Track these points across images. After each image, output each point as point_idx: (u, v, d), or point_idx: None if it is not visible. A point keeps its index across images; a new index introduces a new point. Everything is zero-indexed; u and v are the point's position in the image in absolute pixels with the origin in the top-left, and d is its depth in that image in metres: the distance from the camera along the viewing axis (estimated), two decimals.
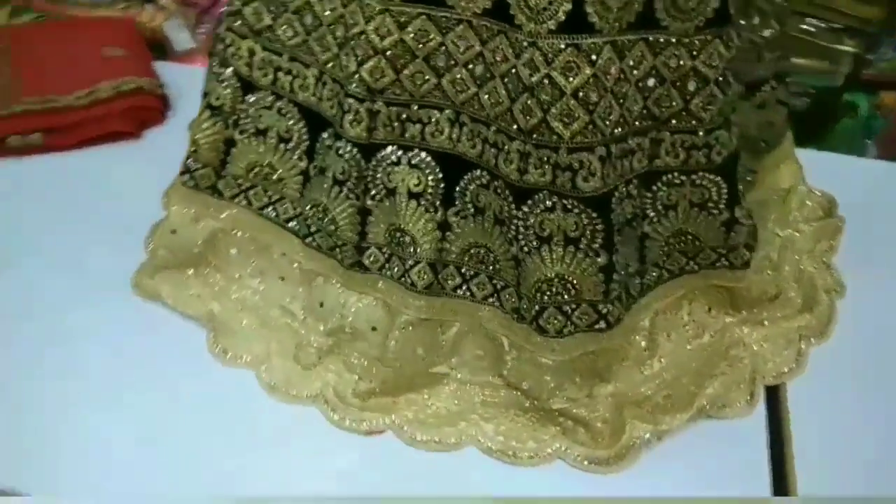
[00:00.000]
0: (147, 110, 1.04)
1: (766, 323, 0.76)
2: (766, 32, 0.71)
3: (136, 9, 1.26)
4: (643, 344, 0.71)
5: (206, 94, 0.73)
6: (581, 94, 0.56)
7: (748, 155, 0.76)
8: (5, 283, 0.82)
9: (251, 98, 0.71)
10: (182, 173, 0.75)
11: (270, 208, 0.74)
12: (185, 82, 1.04)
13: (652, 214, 0.66)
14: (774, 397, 0.72)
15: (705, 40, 0.59)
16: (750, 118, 0.76)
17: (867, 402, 0.71)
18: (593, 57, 0.56)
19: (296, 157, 0.71)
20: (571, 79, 0.56)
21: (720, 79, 0.60)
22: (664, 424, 0.69)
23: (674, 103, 0.61)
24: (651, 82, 0.59)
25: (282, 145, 0.71)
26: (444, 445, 0.68)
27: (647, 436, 0.68)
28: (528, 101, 0.57)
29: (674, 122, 0.62)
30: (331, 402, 0.70)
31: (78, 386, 0.72)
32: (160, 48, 1.22)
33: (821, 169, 0.88)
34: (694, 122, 0.62)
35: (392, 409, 0.70)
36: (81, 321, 0.77)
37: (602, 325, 0.64)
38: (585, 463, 0.67)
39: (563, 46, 0.55)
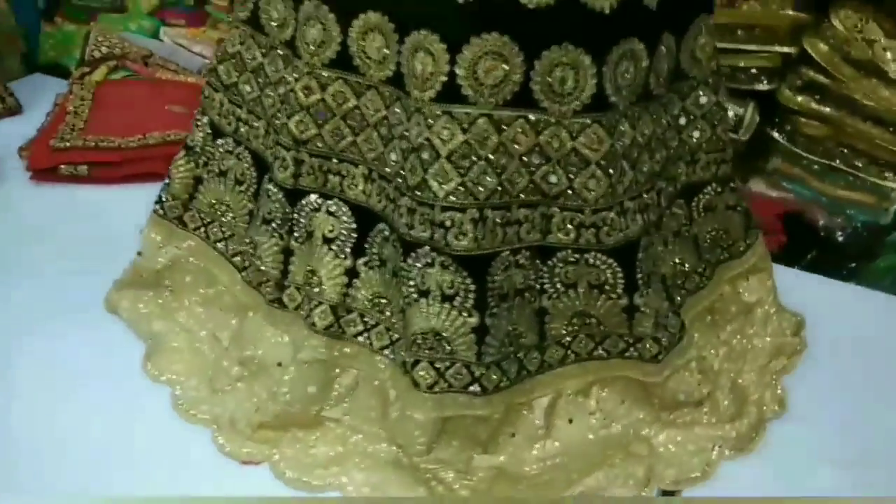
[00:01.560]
0: None
1: (681, 427, 0.72)
2: (696, 134, 0.72)
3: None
4: (537, 423, 0.70)
5: (189, 138, 0.83)
6: (454, 157, 0.60)
7: (693, 256, 0.76)
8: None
9: (219, 142, 0.79)
10: (155, 203, 0.84)
11: (223, 243, 0.81)
12: None
13: (551, 290, 0.67)
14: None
15: (584, 123, 0.61)
16: (702, 221, 0.76)
17: None
18: (466, 125, 0.59)
19: (246, 198, 0.78)
20: (446, 143, 0.60)
21: (602, 161, 0.62)
22: None
23: (559, 181, 0.63)
24: (536, 159, 0.62)
25: (237, 186, 0.78)
26: (309, 486, 0.69)
27: None
28: (414, 161, 0.62)
29: (561, 199, 0.64)
30: (222, 427, 0.73)
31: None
32: None
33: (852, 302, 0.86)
34: (579, 201, 0.63)
35: (276, 444, 0.72)
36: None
37: (476, 388, 0.65)
38: None
39: (439, 113, 0.60)
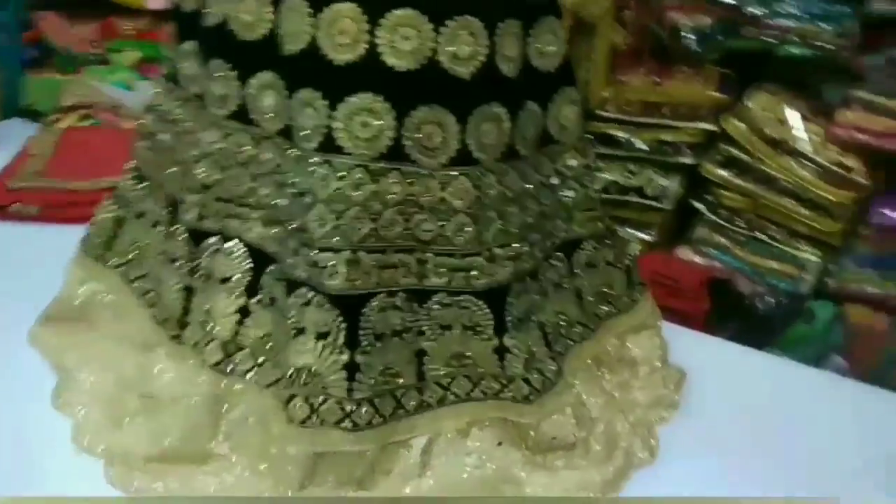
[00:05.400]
0: None
1: (552, 469, 0.75)
2: (570, 193, 0.78)
3: None
4: (412, 461, 0.73)
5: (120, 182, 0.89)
6: (332, 203, 0.65)
7: (575, 308, 0.81)
8: None
9: (139, 186, 0.85)
10: (80, 242, 0.89)
11: (139, 281, 0.86)
12: None
13: (428, 332, 0.71)
14: None
15: (451, 175, 0.67)
16: (584, 276, 0.81)
17: None
18: (343, 173, 0.65)
19: (160, 239, 0.83)
20: (323, 189, 0.66)
21: (469, 209, 0.68)
22: None
23: (432, 228, 0.68)
24: (410, 208, 0.68)
25: (153, 228, 0.84)
26: None
27: None
28: (298, 206, 0.67)
29: (434, 245, 0.69)
30: (113, 458, 0.75)
31: None
32: None
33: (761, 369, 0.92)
34: (451, 246, 0.69)
35: (162, 477, 0.74)
36: None
37: (348, 424, 0.68)
38: None
39: (320, 161, 0.66)
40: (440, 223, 0.68)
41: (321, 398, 0.68)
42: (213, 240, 0.75)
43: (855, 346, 1.26)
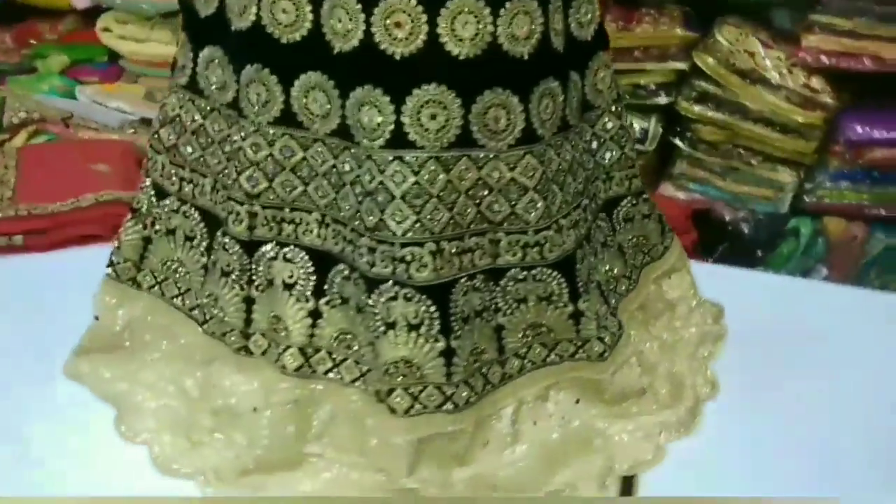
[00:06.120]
0: (121, 217, 1.17)
1: (630, 416, 0.79)
2: (608, 155, 0.80)
3: (144, 132, 1.43)
4: (505, 430, 0.76)
5: (135, 201, 0.85)
6: (408, 197, 0.66)
7: (619, 262, 0.84)
8: None
9: (164, 202, 0.82)
10: (108, 266, 0.86)
11: (179, 298, 0.83)
12: None
13: (504, 307, 0.73)
14: (627, 492, 0.74)
15: (518, 155, 0.68)
16: (623, 231, 0.84)
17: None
18: (416, 168, 0.65)
19: (198, 253, 0.81)
20: (400, 185, 0.65)
21: (538, 187, 0.69)
22: None
23: (502, 208, 0.69)
24: (480, 191, 0.69)
25: (187, 243, 0.81)
26: None
27: None
28: (370, 204, 0.67)
29: (506, 224, 0.70)
30: (207, 478, 0.75)
31: None
32: None
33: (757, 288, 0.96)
34: (522, 223, 0.70)
35: (263, 488, 0.74)
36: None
37: (449, 406, 0.70)
38: None
39: (391, 159, 0.65)
40: (511, 202, 0.69)
41: (420, 387, 0.69)
42: (267, 247, 0.74)
43: (836, 255, 1.36)
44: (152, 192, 0.82)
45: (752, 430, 0.80)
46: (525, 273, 0.72)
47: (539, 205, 0.70)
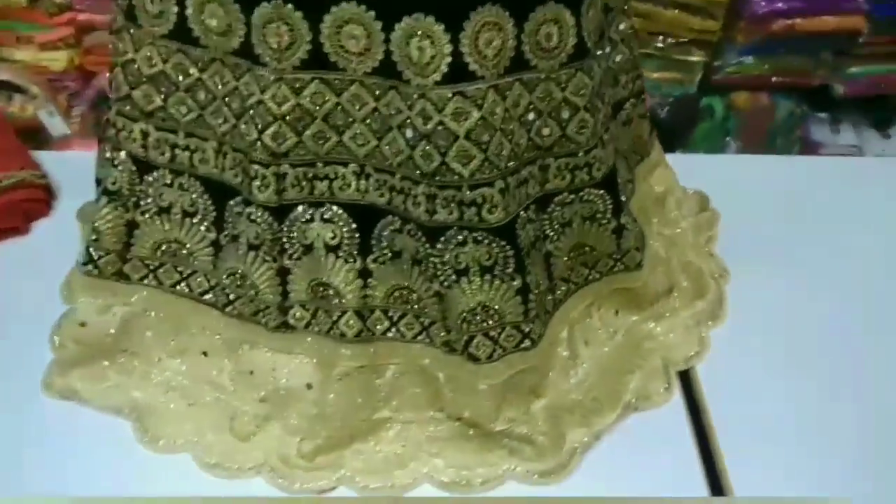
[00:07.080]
0: (32, 202, 0.99)
1: (667, 315, 0.83)
2: (618, 58, 0.79)
3: (4, 101, 1.20)
4: (565, 354, 0.76)
5: (99, 181, 0.72)
6: (473, 135, 0.61)
7: (624, 167, 0.84)
8: None
9: (150, 178, 0.70)
10: (84, 263, 0.73)
11: (183, 284, 0.73)
12: (67, 169, 0.99)
13: (551, 234, 0.71)
14: (688, 385, 0.79)
15: (570, 73, 0.65)
16: (621, 135, 0.83)
17: (774, 379, 0.79)
18: (479, 101, 0.60)
19: (203, 228, 0.71)
20: (462, 123, 0.60)
21: (588, 105, 0.66)
22: (597, 425, 0.73)
23: (553, 132, 0.66)
24: (531, 116, 0.65)
25: (188, 220, 0.71)
26: (397, 489, 0.69)
27: (586, 439, 0.72)
28: (427, 147, 0.61)
29: (556, 148, 0.67)
30: (276, 468, 0.70)
31: None
32: (36, 137, 1.16)
33: (688, 169, 0.98)
34: (573, 145, 0.68)
35: (340, 464, 0.70)
36: None
37: (527, 343, 0.68)
38: (535, 477, 0.70)
39: (450, 95, 0.59)
40: (561, 125, 0.66)
41: (499, 329, 0.67)
42: (299, 210, 0.66)
43: (746, 127, 1.46)
44: (132, 168, 0.70)
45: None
46: (573, 196, 0.70)
47: (589, 123, 0.67)
